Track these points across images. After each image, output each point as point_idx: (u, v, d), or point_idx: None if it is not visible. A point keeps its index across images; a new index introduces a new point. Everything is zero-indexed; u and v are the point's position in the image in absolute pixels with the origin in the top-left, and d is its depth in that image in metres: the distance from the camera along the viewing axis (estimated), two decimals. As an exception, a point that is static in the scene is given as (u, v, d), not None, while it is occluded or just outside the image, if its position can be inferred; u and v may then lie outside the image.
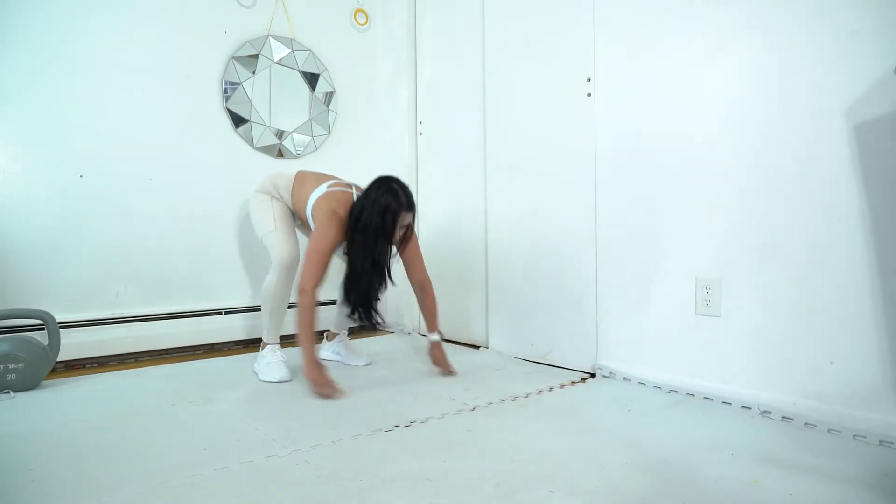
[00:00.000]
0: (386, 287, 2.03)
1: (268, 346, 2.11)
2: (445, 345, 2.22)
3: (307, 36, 2.86)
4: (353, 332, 2.97)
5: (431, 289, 2.13)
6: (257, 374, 2.06)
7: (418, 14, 2.99)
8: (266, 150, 2.71)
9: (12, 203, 2.13)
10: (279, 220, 2.08)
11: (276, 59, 2.73)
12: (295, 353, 2.05)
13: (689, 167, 1.84)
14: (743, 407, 1.68)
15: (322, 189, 2.01)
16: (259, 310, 2.13)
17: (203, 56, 2.54)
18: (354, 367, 2.23)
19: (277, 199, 2.13)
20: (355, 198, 2.00)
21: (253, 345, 2.64)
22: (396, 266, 2.06)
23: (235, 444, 1.40)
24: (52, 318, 1.96)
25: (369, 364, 2.25)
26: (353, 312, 2.01)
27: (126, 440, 1.44)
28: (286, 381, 1.98)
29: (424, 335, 2.47)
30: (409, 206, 1.92)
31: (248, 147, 2.67)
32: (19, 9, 2.12)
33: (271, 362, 2.05)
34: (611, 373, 2.04)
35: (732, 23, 1.73)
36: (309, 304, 1.82)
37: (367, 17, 3.10)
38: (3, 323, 1.99)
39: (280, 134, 2.75)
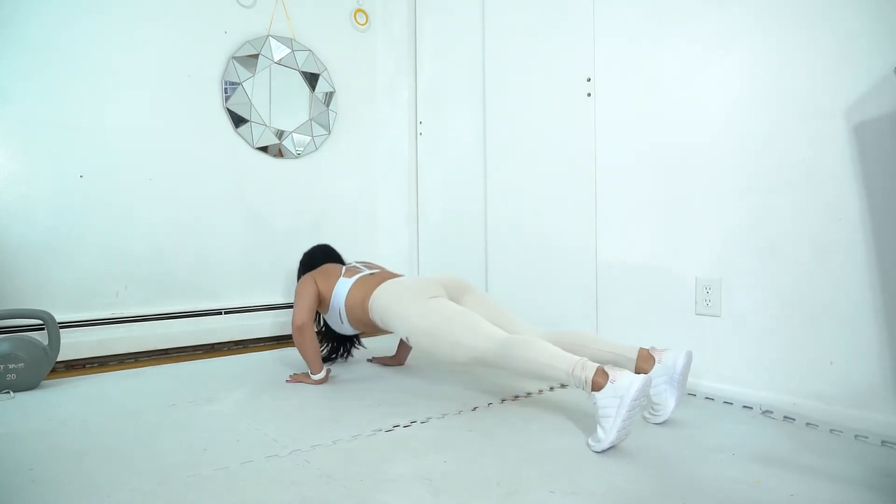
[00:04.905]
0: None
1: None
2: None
3: (307, 36, 2.86)
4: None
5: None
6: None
7: (418, 14, 2.99)
8: (266, 149, 2.71)
9: (12, 203, 2.13)
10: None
11: (276, 59, 2.73)
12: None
13: (690, 167, 1.84)
14: (744, 407, 1.68)
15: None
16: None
17: (203, 56, 2.54)
18: (355, 365, 2.23)
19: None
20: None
21: (252, 344, 2.64)
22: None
23: (235, 444, 1.40)
24: (52, 318, 1.95)
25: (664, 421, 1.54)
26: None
27: (126, 440, 1.44)
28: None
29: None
30: None
31: (248, 147, 2.66)
32: (19, 8, 2.12)
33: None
34: (611, 373, 2.04)
35: (732, 23, 1.73)
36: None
37: (367, 17, 3.09)
38: (3, 323, 1.99)
39: (280, 134, 2.75)
